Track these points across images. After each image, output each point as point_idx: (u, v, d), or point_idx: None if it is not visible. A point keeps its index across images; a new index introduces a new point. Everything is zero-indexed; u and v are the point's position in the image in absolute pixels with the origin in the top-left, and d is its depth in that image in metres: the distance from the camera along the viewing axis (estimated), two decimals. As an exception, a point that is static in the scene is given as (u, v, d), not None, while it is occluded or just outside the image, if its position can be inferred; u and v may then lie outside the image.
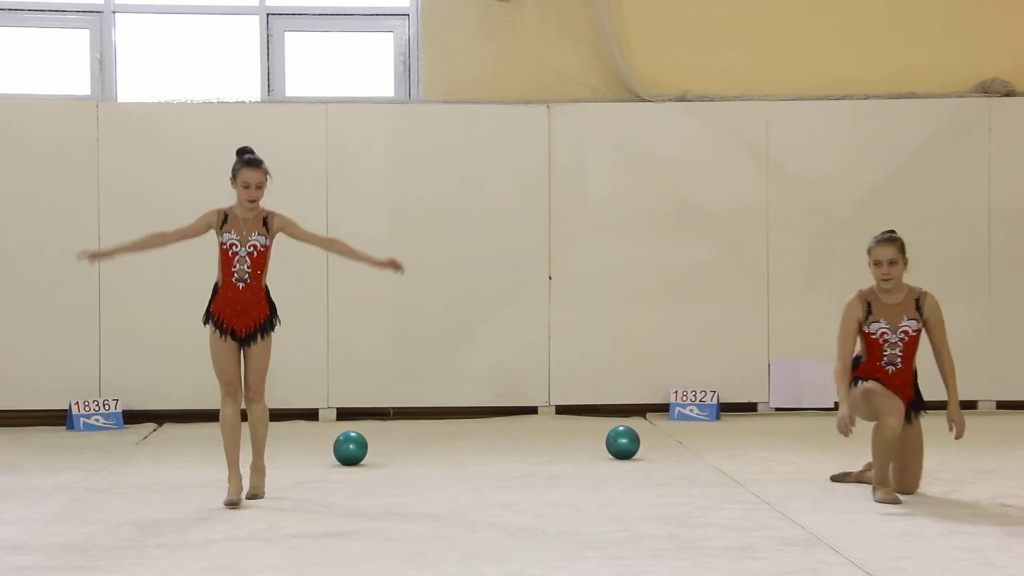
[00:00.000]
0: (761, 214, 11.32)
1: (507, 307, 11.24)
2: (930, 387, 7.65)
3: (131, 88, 11.61)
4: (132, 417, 10.84)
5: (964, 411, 11.06)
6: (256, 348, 7.36)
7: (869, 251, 7.49)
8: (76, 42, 11.61)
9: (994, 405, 11.30)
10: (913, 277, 7.58)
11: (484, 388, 11.22)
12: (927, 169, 11.27)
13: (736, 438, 9.87)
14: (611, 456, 8.91)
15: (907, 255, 7.48)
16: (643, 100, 11.48)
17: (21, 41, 11.64)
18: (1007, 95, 11.49)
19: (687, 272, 11.28)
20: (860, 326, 7.50)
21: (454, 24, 11.56)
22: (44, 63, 11.62)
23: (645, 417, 11.02)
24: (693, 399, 11.06)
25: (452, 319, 11.22)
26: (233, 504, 7.21)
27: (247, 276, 7.26)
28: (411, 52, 11.74)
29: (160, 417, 10.93)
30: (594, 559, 6.00)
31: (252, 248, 7.26)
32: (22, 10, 11.58)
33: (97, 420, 10.72)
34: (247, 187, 7.24)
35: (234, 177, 7.29)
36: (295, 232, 7.46)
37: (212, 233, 7.35)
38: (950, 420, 7.55)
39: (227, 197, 7.37)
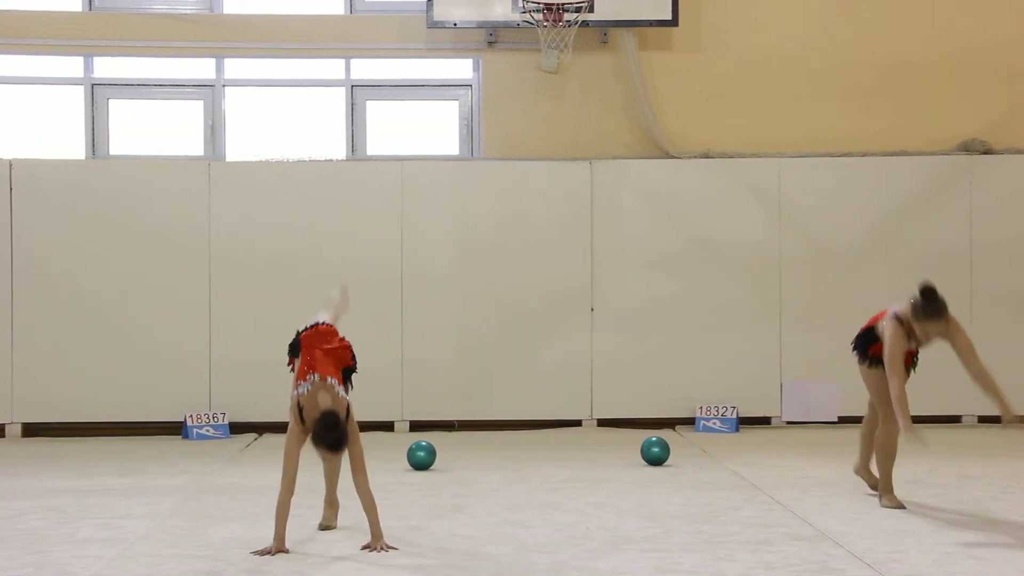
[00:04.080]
0: (774, 253, 11.27)
1: (555, 334, 11.23)
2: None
3: (238, 149, 11.73)
4: (237, 428, 10.91)
5: (949, 425, 11.07)
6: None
7: (917, 318, 6.86)
8: (192, 111, 11.77)
9: (976, 419, 11.15)
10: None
11: (535, 403, 11.20)
12: (916, 215, 11.20)
13: (753, 448, 9.80)
14: (645, 463, 8.88)
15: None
16: (672, 157, 11.47)
17: (146, 110, 11.80)
18: (986, 153, 11.41)
19: (710, 303, 11.23)
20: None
21: (509, 93, 11.62)
22: (165, 129, 11.77)
23: (674, 429, 10.95)
24: (716, 414, 10.99)
25: (508, 344, 11.21)
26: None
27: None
28: (473, 117, 11.80)
29: (260, 428, 10.97)
30: (631, 551, 5.97)
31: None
32: (147, 85, 11.75)
33: (207, 430, 10.79)
34: (325, 459, 6.49)
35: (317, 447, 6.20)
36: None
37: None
38: (1010, 420, 6.72)
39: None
